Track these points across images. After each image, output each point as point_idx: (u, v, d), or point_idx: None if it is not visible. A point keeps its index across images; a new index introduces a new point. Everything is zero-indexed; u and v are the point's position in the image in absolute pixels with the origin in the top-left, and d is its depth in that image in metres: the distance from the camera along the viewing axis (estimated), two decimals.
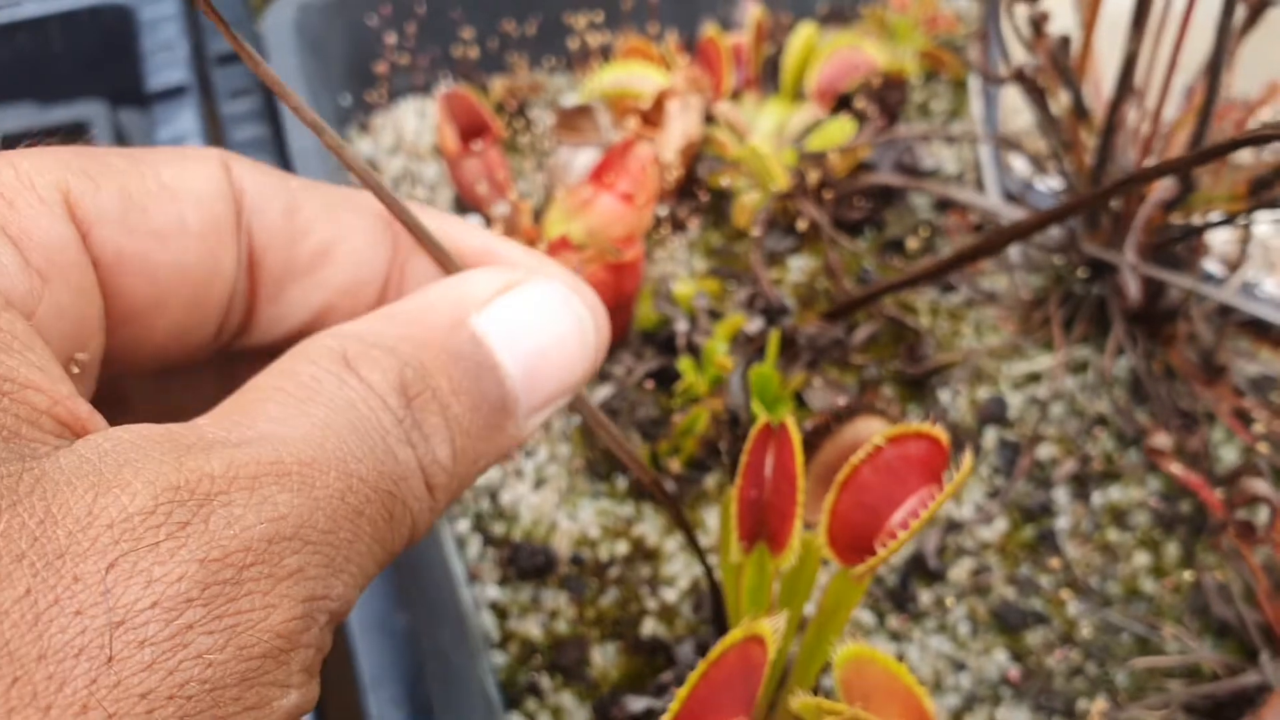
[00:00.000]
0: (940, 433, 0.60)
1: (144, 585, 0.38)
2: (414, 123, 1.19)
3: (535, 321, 0.54)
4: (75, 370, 0.48)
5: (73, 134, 1.35)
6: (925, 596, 0.83)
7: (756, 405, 0.78)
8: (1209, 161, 0.62)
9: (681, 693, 0.57)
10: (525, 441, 0.58)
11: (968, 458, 0.58)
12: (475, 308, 0.53)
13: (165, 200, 0.51)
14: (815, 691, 0.60)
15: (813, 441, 0.66)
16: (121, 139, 1.38)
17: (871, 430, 0.67)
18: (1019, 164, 1.09)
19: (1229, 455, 0.90)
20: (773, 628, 0.60)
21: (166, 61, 1.34)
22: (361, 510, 0.45)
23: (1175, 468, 0.76)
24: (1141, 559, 0.85)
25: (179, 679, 0.38)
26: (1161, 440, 0.74)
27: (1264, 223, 1.16)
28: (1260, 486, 0.67)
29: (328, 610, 0.43)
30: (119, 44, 1.39)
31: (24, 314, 0.45)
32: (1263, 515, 0.84)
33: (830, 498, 0.62)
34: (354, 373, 0.47)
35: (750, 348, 0.88)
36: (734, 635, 0.59)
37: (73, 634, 0.36)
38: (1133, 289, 0.77)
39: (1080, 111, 0.90)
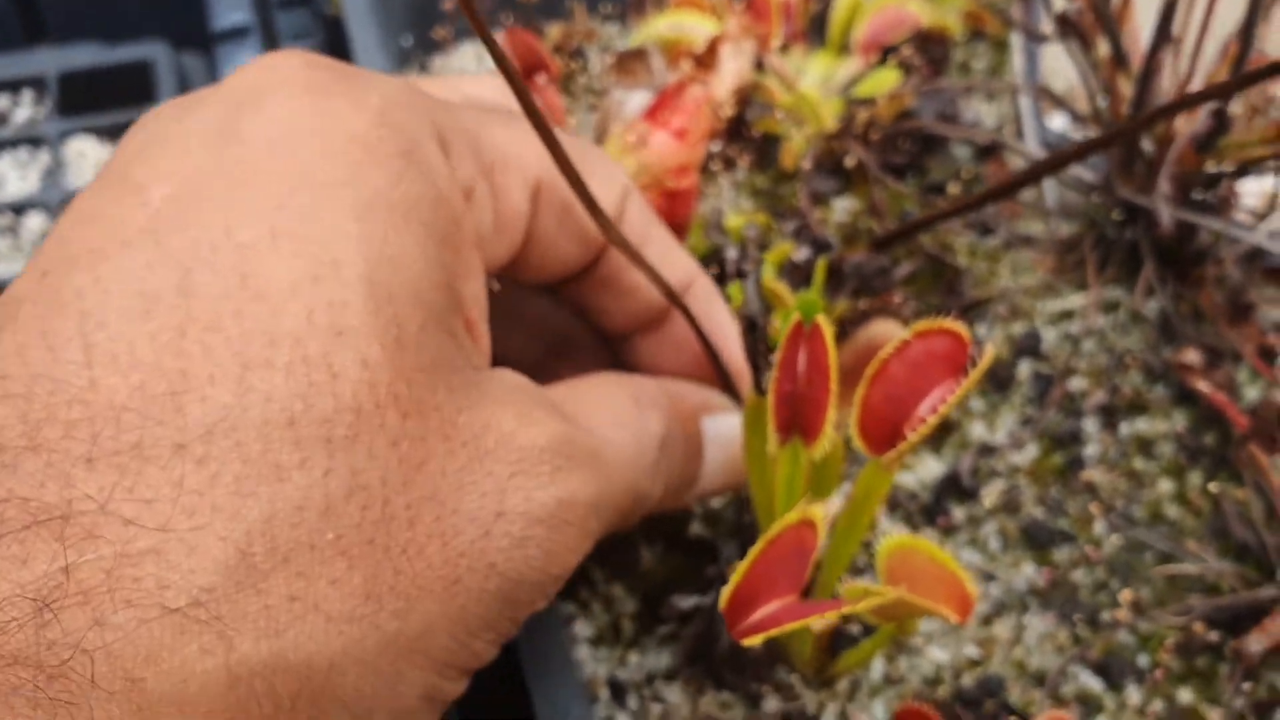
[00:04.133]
0: (963, 329, 0.64)
1: (524, 498, 0.55)
2: (473, 66, 1.24)
3: (732, 444, 0.74)
4: (493, 288, 0.67)
5: (135, 73, 1.40)
6: (958, 514, 0.88)
7: (781, 312, 0.82)
8: (1244, 88, 0.66)
9: (740, 568, 0.61)
10: (680, 510, 0.78)
11: (988, 351, 0.62)
12: (708, 412, 0.74)
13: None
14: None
15: None
16: (183, 81, 1.42)
17: (887, 332, 0.71)
18: (1058, 122, 1.13)
19: (1251, 394, 0.94)
20: (823, 512, 0.64)
21: (230, 4, 1.38)
22: (619, 508, 0.63)
23: (1203, 385, 0.80)
24: (1165, 486, 0.89)
25: (515, 564, 0.54)
26: (1192, 357, 0.78)
27: None
28: None
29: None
30: None
31: (481, 256, 0.62)
32: None
33: (860, 390, 0.66)
34: (642, 414, 0.66)
35: (798, 275, 0.93)
36: (789, 518, 0.63)
37: (476, 505, 0.53)
38: (1165, 218, 0.81)
39: (1119, 59, 0.94)
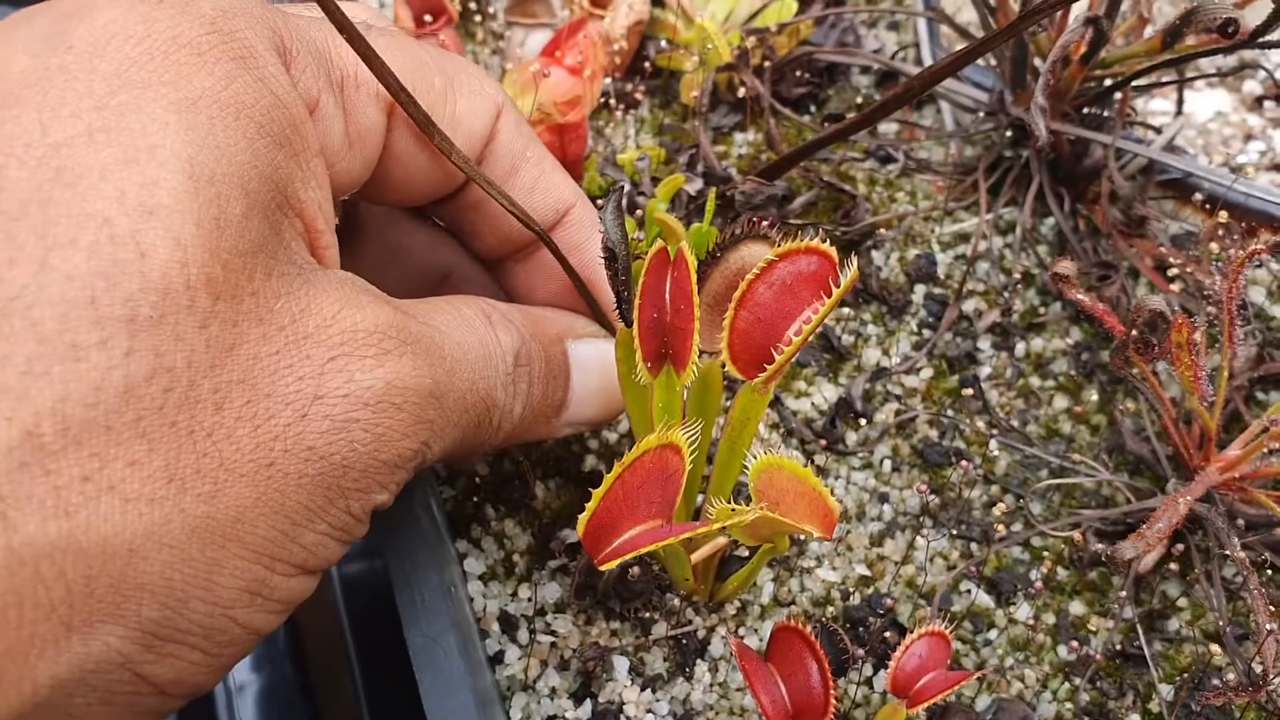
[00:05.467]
0: (829, 248, 0.64)
1: (345, 380, 0.54)
2: (371, 3, 1.22)
3: (602, 369, 0.74)
4: (342, 198, 0.68)
5: None
6: (852, 437, 0.88)
7: (648, 231, 0.81)
8: None
9: (598, 493, 0.61)
10: (549, 440, 0.76)
11: (853, 266, 0.62)
12: (573, 336, 0.74)
13: (448, 128, 0.68)
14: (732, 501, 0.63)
15: (701, 271, 0.69)
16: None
17: (758, 255, 0.70)
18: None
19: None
20: (687, 435, 0.64)
21: None
22: (468, 409, 0.63)
23: (1079, 294, 0.80)
24: (1061, 403, 0.90)
25: (337, 448, 0.54)
26: (1065, 266, 0.78)
27: (1200, 103, 1.20)
28: (1155, 301, 0.71)
29: (425, 455, 0.60)
30: None
31: (329, 163, 0.62)
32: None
33: (729, 315, 0.65)
34: (493, 328, 0.66)
35: (691, 207, 0.92)
36: (649, 441, 0.63)
37: (292, 389, 0.52)
38: (1041, 131, 0.80)
39: None
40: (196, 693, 0.54)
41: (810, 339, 0.80)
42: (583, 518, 0.60)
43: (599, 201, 0.75)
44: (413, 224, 0.80)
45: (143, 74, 0.52)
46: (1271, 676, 0.66)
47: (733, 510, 0.60)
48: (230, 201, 0.51)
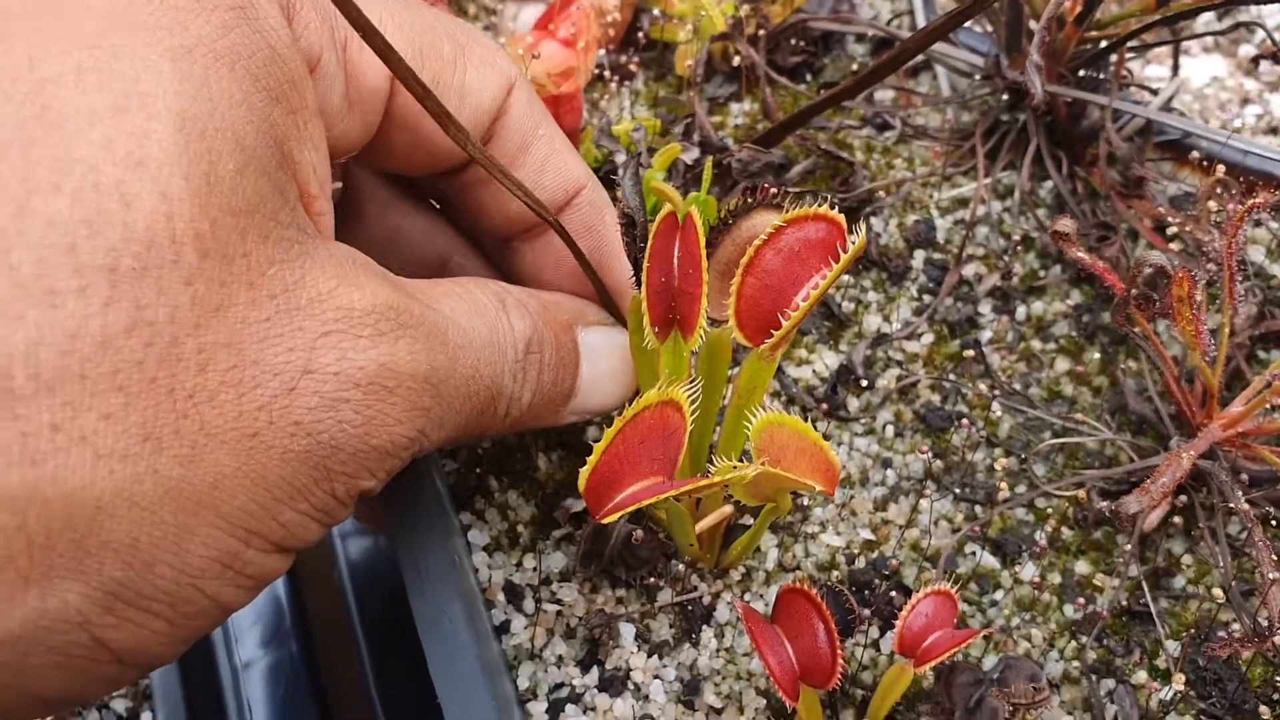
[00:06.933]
0: (837, 215, 0.64)
1: (338, 357, 0.53)
2: None
3: (610, 358, 0.73)
4: (340, 160, 0.68)
5: None
6: (854, 403, 0.88)
7: (652, 202, 0.81)
8: None
9: (599, 448, 0.61)
10: (558, 425, 0.74)
11: (861, 232, 0.62)
12: (583, 323, 0.73)
13: (455, 97, 0.68)
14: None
15: (713, 239, 0.69)
16: None
17: (769, 223, 0.70)
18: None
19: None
20: (687, 392, 0.63)
21: None
22: (471, 397, 0.62)
23: (1079, 253, 0.79)
24: (1062, 365, 0.90)
25: (325, 427, 0.52)
26: (1065, 225, 0.77)
27: (1196, 69, 1.19)
28: (1156, 257, 0.71)
29: (421, 444, 0.59)
30: None
31: (327, 125, 0.61)
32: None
33: (736, 281, 0.65)
34: (506, 313, 0.66)
35: (688, 176, 0.92)
36: (649, 398, 0.63)
37: (280, 360, 0.51)
38: (1037, 91, 0.80)
39: None
40: (154, 665, 0.53)
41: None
42: (584, 472, 0.60)
43: (613, 176, 0.75)
44: (413, 208, 0.79)
45: (139, 16, 0.50)
46: (1277, 626, 0.66)
47: (734, 466, 0.60)
48: (222, 157, 0.50)
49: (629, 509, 0.58)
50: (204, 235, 0.48)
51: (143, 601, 0.49)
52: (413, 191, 0.79)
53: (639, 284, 0.68)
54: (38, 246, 0.44)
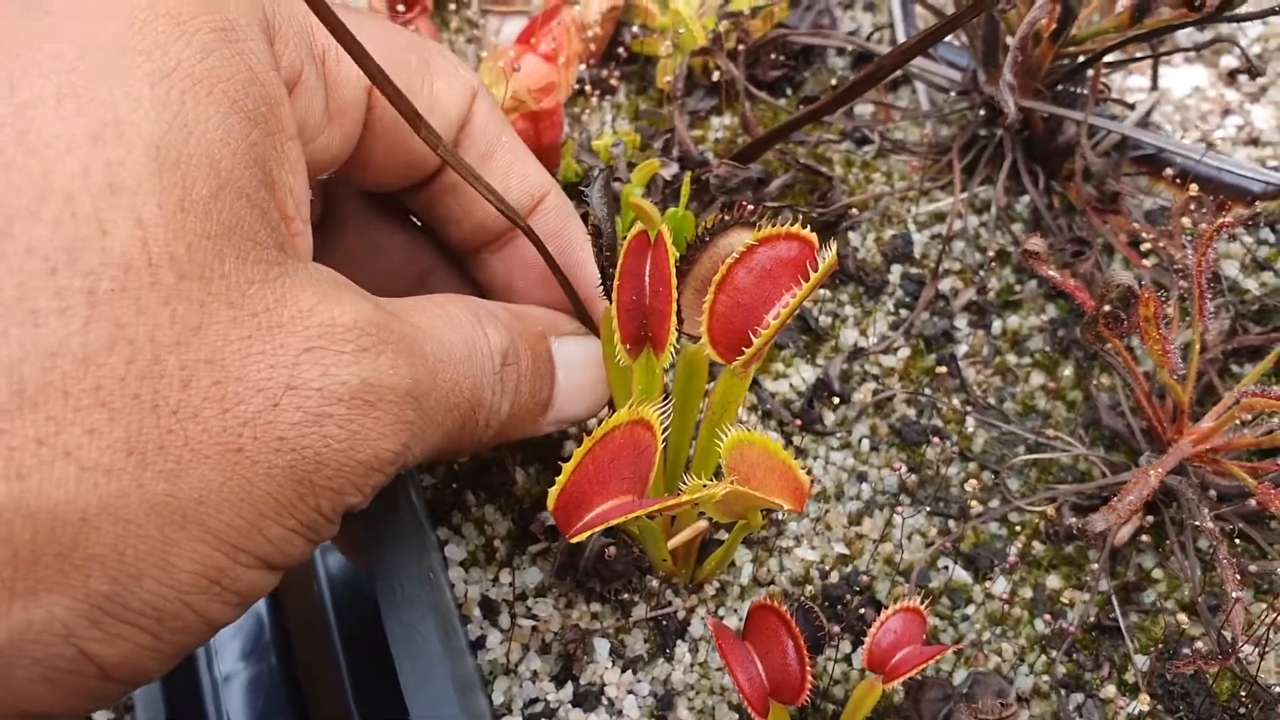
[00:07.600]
0: (809, 234, 0.64)
1: (320, 373, 0.53)
2: None
3: (585, 366, 0.74)
4: (321, 176, 0.69)
5: None
6: (830, 417, 0.88)
7: (623, 218, 0.81)
8: None
9: (567, 468, 0.61)
10: (534, 436, 0.75)
11: (832, 250, 0.62)
12: (556, 334, 0.73)
13: (425, 106, 0.68)
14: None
15: (691, 256, 0.70)
16: None
17: (744, 241, 0.71)
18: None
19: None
20: (659, 411, 0.64)
21: None
22: (453, 409, 0.63)
23: (1050, 271, 0.80)
24: (1037, 379, 0.90)
25: (310, 442, 0.53)
26: (1036, 243, 0.78)
27: (1177, 80, 1.20)
28: (1123, 276, 0.71)
29: (406, 459, 0.60)
30: None
31: (305, 140, 0.62)
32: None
33: (708, 298, 0.66)
34: (481, 326, 0.66)
35: (667, 192, 0.93)
36: (619, 417, 0.63)
37: (263, 376, 0.51)
38: (1010, 108, 0.81)
39: None
40: (141, 681, 0.53)
41: (788, 321, 0.80)
42: (553, 491, 0.61)
43: (580, 187, 0.75)
44: (392, 223, 0.80)
45: (119, 40, 0.51)
46: (1241, 643, 0.66)
47: (704, 485, 0.61)
48: (196, 182, 0.51)
49: (598, 528, 0.59)
50: (179, 258, 0.49)
51: (129, 615, 0.50)
52: (392, 208, 0.80)
53: (608, 294, 0.69)
54: (19, 271, 0.45)
